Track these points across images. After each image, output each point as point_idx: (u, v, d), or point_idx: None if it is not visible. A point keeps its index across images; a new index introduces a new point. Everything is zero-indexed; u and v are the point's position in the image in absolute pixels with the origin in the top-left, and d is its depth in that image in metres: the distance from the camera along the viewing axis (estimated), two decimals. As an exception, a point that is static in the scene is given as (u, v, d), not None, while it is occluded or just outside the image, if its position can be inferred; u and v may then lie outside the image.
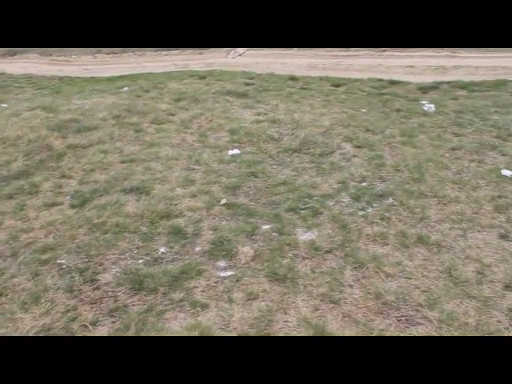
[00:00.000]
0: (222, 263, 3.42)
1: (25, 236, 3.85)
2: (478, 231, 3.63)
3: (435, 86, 7.90)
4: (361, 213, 3.92)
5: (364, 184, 4.38)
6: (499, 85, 7.70)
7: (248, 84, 8.20)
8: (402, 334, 2.73)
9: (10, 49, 16.36)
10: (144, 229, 3.85)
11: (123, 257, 3.55)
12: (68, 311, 3.04)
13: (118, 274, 3.36)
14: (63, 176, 4.85)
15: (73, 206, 4.26)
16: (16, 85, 9.97)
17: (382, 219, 3.80)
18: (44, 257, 3.56)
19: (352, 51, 11.26)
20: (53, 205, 4.31)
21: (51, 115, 6.55)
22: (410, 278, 3.16)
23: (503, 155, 4.93)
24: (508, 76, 8.20)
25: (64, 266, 3.44)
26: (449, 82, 8.03)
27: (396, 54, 10.64)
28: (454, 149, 5.11)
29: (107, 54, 13.76)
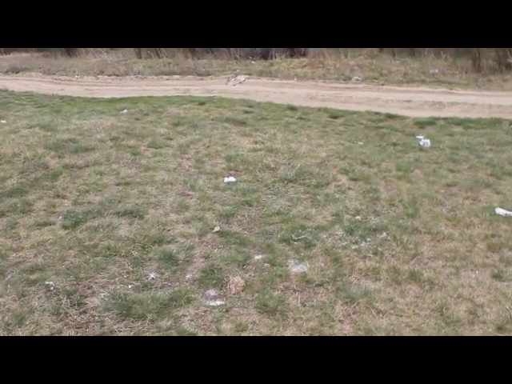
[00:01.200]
0: (212, 292, 3.38)
1: (14, 255, 3.81)
2: (471, 270, 3.62)
3: (432, 122, 8.00)
4: (354, 246, 3.90)
5: (358, 217, 4.37)
6: (494, 123, 7.81)
7: (247, 112, 8.29)
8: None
9: (14, 66, 16.51)
10: (135, 253, 3.81)
11: (112, 281, 3.50)
12: (53, 335, 2.98)
13: (106, 299, 3.31)
14: (57, 196, 4.82)
15: (65, 227, 4.22)
16: (17, 102, 10.04)
17: (375, 254, 3.79)
18: (32, 277, 3.51)
19: (351, 83, 11.44)
20: (45, 224, 4.27)
21: (49, 134, 6.56)
22: (401, 316, 3.12)
23: (497, 193, 4.95)
24: (502, 114, 8.31)
25: (52, 288, 3.39)
26: (445, 118, 8.14)
27: (394, 88, 10.81)
28: (448, 185, 5.14)
29: (109, 75, 13.93)
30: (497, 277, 3.53)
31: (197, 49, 15.80)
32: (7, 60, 18.72)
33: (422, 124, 7.87)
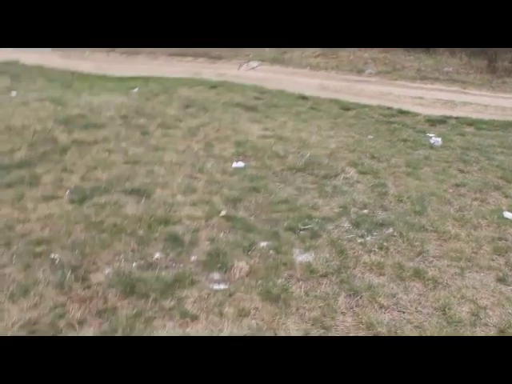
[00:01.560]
0: (216, 275, 3.39)
1: (20, 226, 3.82)
2: (476, 272, 3.61)
3: (443, 120, 7.92)
4: (360, 240, 3.89)
5: (365, 211, 4.36)
6: (507, 125, 7.73)
7: (258, 98, 8.22)
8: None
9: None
10: (141, 232, 3.81)
11: (117, 258, 3.51)
12: (56, 307, 3.00)
13: (111, 276, 3.32)
14: (65, 170, 4.83)
15: (72, 202, 4.23)
16: (27, 74, 9.96)
17: (381, 248, 3.78)
18: (38, 249, 3.53)
19: (364, 76, 11.34)
20: (52, 198, 4.28)
21: (59, 108, 6.56)
22: (404, 312, 3.12)
23: (506, 197, 4.92)
24: (516, 118, 8.24)
25: (57, 261, 3.40)
26: (457, 118, 8.06)
27: (407, 84, 10.71)
28: (457, 185, 5.11)
29: (121, 53, 13.81)
30: (501, 280, 3.52)
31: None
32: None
33: (433, 122, 7.80)
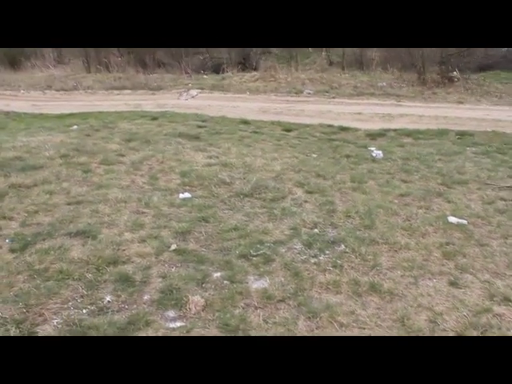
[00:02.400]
0: (171, 313, 3.27)
1: (-44, 283, 3.57)
2: (429, 278, 3.67)
3: (382, 133, 8.19)
4: (313, 260, 3.89)
5: (316, 230, 4.37)
6: (442, 134, 8.09)
7: (200, 126, 8.22)
8: None
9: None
10: (89, 276, 3.65)
11: (66, 306, 3.33)
12: None
13: (60, 326, 3.14)
14: (3, 217, 4.58)
15: (12, 251, 4.00)
16: (-44, 119, 9.55)
17: (335, 267, 3.79)
18: (-23, 306, 3.30)
19: (303, 97, 11.60)
20: (-10, 249, 4.04)
21: (-7, 152, 6.27)
22: (364, 328, 3.12)
23: (448, 202, 5.09)
24: (449, 125, 8.64)
25: (-1, 317, 3.19)
26: (395, 130, 8.36)
27: (345, 101, 11.04)
28: (402, 195, 5.24)
29: (57, 90, 13.54)
30: (453, 284, 3.60)
31: (148, 63, 15.64)
32: None
33: (373, 136, 8.05)
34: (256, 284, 3.58)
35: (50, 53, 17.80)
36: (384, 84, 12.20)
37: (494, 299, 3.41)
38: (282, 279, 3.63)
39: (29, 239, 4.15)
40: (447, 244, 4.16)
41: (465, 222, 4.55)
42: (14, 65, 17.31)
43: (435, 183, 5.64)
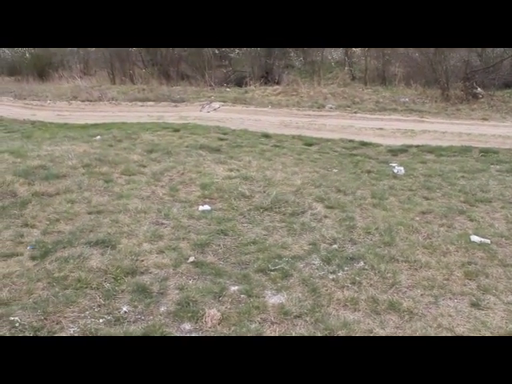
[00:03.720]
0: (187, 326, 3.27)
1: (-22, 289, 3.62)
2: (450, 298, 3.60)
3: (404, 149, 8.11)
4: (331, 276, 3.85)
5: (335, 246, 4.33)
6: (465, 151, 7.97)
7: (221, 139, 8.26)
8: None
9: (-17, 91, 16.18)
10: (107, 285, 3.68)
11: (83, 315, 3.36)
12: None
13: (76, 334, 3.16)
14: (26, 225, 4.66)
15: (33, 258, 4.06)
16: (-15, 127, 9.79)
17: (353, 283, 3.74)
18: (-4, 313, 3.34)
19: (325, 111, 11.58)
20: (12, 255, 4.10)
21: (19, 160, 6.39)
22: (382, 348, 3.06)
23: (471, 220, 5.00)
24: (472, 142, 8.50)
25: (17, 324, 3.22)
26: (417, 146, 8.27)
27: (367, 116, 10.98)
28: (423, 212, 5.16)
29: (82, 101, 13.79)
30: (475, 305, 3.51)
31: (171, 75, 15.84)
32: (-24, 84, 18.40)
33: (395, 151, 7.97)
34: (273, 299, 3.55)
35: (76, 64, 18.21)
36: (407, 100, 12.12)
37: (518, 322, 3.32)
38: (300, 295, 3.59)
39: (49, 247, 4.20)
40: (469, 263, 4.07)
41: (488, 241, 4.46)
42: (42, 76, 17.73)
43: (458, 201, 5.54)
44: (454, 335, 3.18)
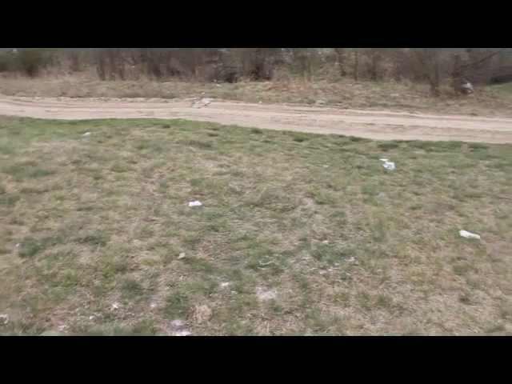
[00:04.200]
0: (177, 322, 3.26)
1: (-35, 287, 3.59)
2: (439, 294, 3.62)
3: (394, 145, 8.14)
4: (322, 272, 3.86)
5: (325, 242, 4.34)
6: (454, 146, 8.02)
7: (212, 135, 8.23)
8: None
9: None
10: (97, 282, 3.65)
11: (72, 312, 3.33)
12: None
13: (66, 332, 3.14)
14: (14, 222, 4.61)
15: (22, 255, 4.02)
16: (-28, 123, 9.67)
17: (344, 279, 3.75)
18: (-15, 311, 3.31)
19: (315, 107, 11.58)
20: (0, 252, 4.06)
21: (6, 157, 6.33)
22: (372, 343, 3.08)
23: (460, 215, 5.03)
24: (462, 138, 8.56)
25: (6, 321, 3.19)
26: (407, 141, 8.30)
27: (357, 111, 11.00)
28: (413, 208, 5.18)
29: (71, 97, 13.67)
30: (464, 300, 3.54)
31: (161, 71, 15.74)
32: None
33: (385, 147, 8.00)
34: (264, 295, 3.55)
35: (65, 60, 18.02)
36: (397, 95, 12.15)
37: (507, 317, 3.34)
38: (290, 291, 3.60)
39: (38, 244, 4.16)
40: (458, 259, 4.10)
41: (477, 236, 4.49)
42: (30, 71, 17.53)
43: (447, 196, 5.57)
44: (443, 331, 3.20)
